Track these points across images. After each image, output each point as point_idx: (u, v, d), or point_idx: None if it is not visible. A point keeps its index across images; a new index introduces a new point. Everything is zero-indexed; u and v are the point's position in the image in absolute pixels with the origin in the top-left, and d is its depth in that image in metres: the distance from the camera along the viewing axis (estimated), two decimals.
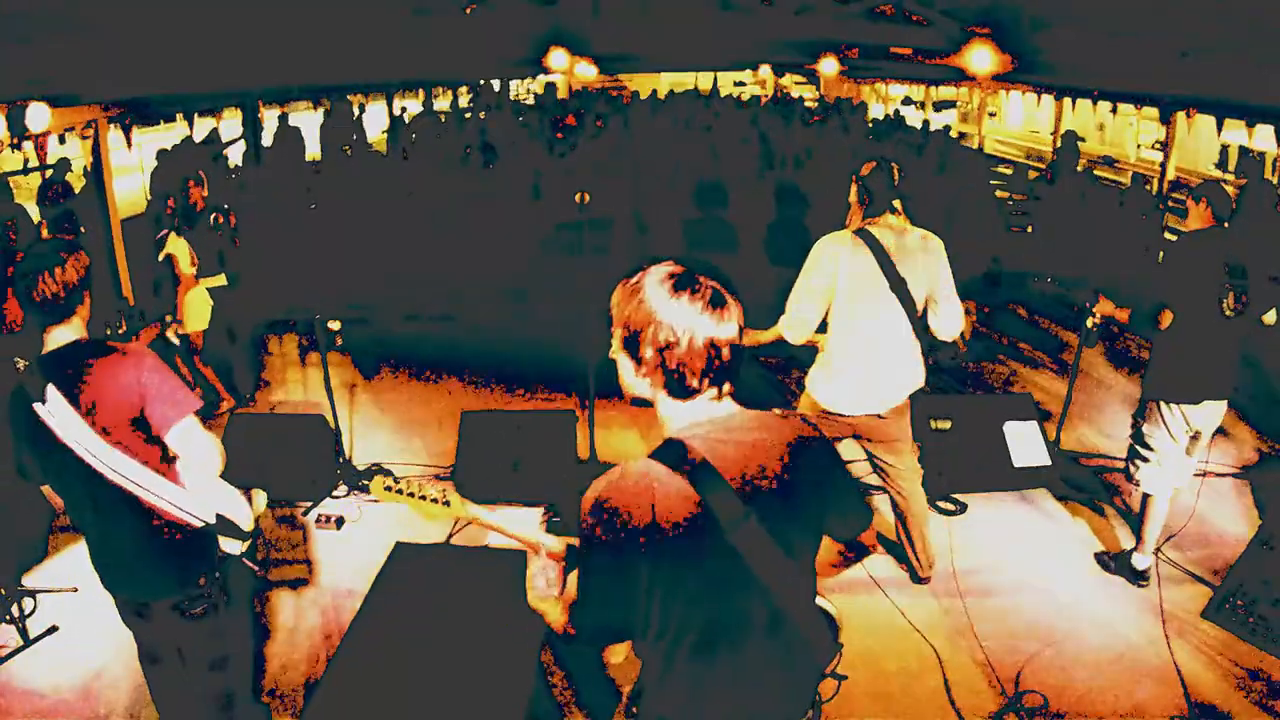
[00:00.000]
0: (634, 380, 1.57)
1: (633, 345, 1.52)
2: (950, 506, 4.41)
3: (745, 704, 1.63)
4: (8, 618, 3.48)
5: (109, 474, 2.19)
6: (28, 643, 3.45)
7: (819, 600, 1.82)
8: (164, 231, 5.24)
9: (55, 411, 2.14)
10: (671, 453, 1.50)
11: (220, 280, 5.40)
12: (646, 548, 1.47)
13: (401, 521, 4.39)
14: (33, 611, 3.60)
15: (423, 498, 1.79)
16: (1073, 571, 3.93)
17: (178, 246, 5.12)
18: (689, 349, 1.48)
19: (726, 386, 1.55)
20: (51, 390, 2.14)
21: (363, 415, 5.53)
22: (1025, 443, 4.62)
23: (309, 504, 4.53)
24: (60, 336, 2.24)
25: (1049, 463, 4.58)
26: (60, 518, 4.28)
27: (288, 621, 3.65)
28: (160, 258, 5.19)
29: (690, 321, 1.47)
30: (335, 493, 4.66)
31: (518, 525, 1.81)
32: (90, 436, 2.15)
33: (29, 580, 3.84)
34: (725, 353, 1.50)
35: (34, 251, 2.21)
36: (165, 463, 2.31)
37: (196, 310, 5.29)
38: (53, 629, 3.55)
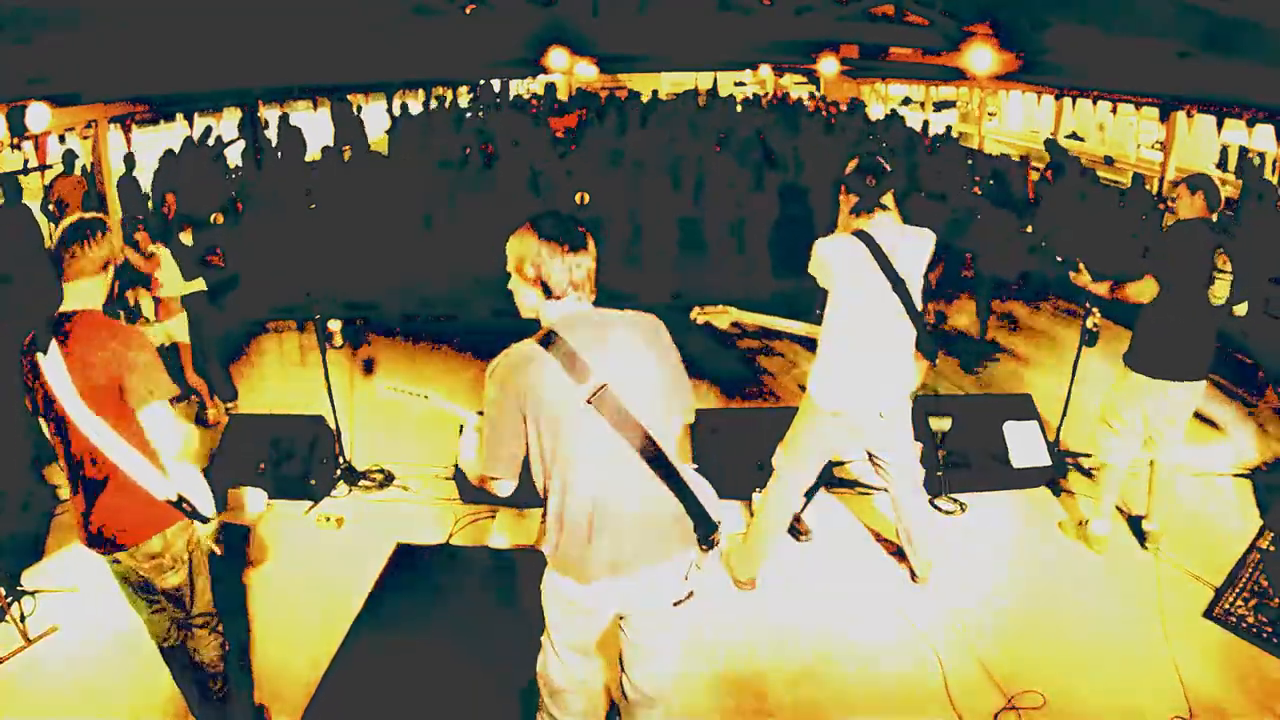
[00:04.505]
0: (524, 295, 2.19)
1: (520, 270, 2.15)
2: (950, 506, 4.42)
3: (605, 533, 2.16)
4: (8, 618, 3.49)
5: (86, 431, 2.39)
6: (28, 643, 3.46)
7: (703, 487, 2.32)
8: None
9: (52, 364, 2.36)
10: (543, 337, 2.13)
11: (198, 285, 5.39)
12: (524, 400, 2.10)
13: (402, 521, 4.40)
14: (33, 611, 3.60)
15: (411, 394, 2.56)
16: (1072, 571, 3.92)
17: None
18: (551, 268, 2.12)
19: (584, 292, 2.17)
20: (54, 345, 2.38)
21: (363, 415, 5.53)
22: (1025, 443, 4.62)
23: (309, 504, 4.53)
24: (81, 293, 2.44)
25: (1049, 463, 4.58)
26: (59, 516, 4.29)
27: (288, 622, 3.65)
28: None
29: (551, 252, 2.12)
30: (335, 493, 4.67)
31: (452, 407, 2.56)
32: (74, 394, 2.36)
33: (29, 580, 3.83)
34: (575, 273, 2.14)
35: (78, 222, 2.48)
36: (137, 433, 2.46)
37: (178, 323, 5.32)
38: (53, 629, 3.55)
